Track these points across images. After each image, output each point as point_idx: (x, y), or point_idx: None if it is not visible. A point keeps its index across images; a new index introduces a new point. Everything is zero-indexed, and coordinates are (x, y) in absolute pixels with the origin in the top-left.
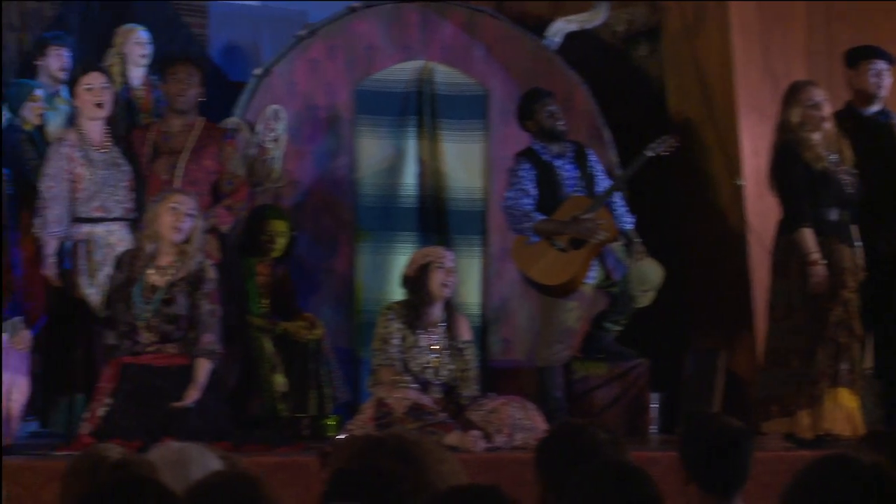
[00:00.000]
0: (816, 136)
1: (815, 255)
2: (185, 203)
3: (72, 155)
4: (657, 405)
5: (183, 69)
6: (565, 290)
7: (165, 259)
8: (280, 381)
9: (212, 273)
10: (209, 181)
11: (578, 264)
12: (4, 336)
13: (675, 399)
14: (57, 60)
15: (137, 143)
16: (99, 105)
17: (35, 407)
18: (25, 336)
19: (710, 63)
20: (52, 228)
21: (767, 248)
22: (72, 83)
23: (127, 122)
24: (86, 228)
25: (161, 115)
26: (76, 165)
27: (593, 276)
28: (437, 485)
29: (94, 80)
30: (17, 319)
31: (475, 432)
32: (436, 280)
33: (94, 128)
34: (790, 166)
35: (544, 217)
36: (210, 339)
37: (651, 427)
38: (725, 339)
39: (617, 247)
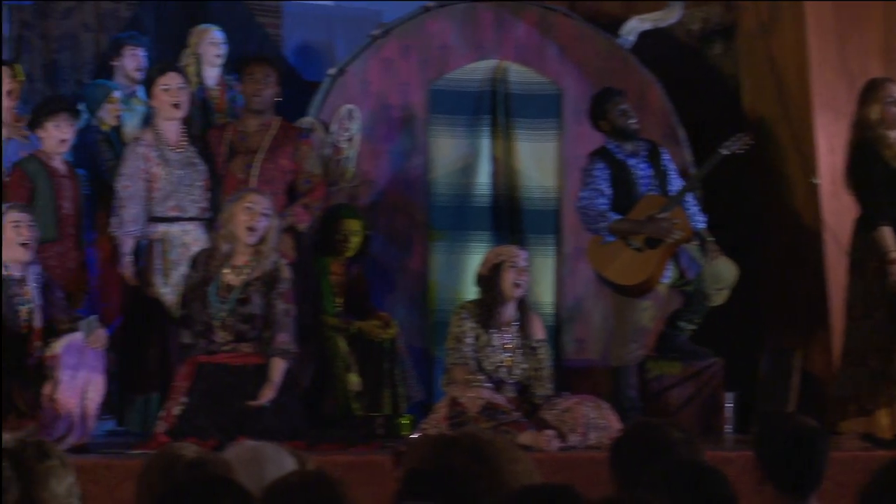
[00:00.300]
0: (894, 134)
1: (894, 254)
2: (260, 203)
3: (148, 154)
4: (732, 404)
5: (259, 69)
6: (641, 289)
7: (241, 258)
8: (354, 380)
9: (286, 273)
10: (285, 180)
11: (654, 264)
12: (80, 335)
13: (750, 398)
14: (132, 60)
15: (214, 143)
16: (176, 105)
17: (111, 405)
18: (101, 335)
19: (785, 61)
20: (128, 228)
21: (843, 246)
22: (149, 83)
23: (202, 122)
24: (161, 228)
25: (235, 115)
26: (152, 165)
27: (668, 275)
28: (511, 484)
29: (171, 80)
30: (92, 318)
31: (549, 431)
32: (508, 279)
33: (171, 128)
34: (868, 164)
35: (619, 217)
36: (285, 338)
37: (726, 426)
38: (801, 338)
39: (691, 246)
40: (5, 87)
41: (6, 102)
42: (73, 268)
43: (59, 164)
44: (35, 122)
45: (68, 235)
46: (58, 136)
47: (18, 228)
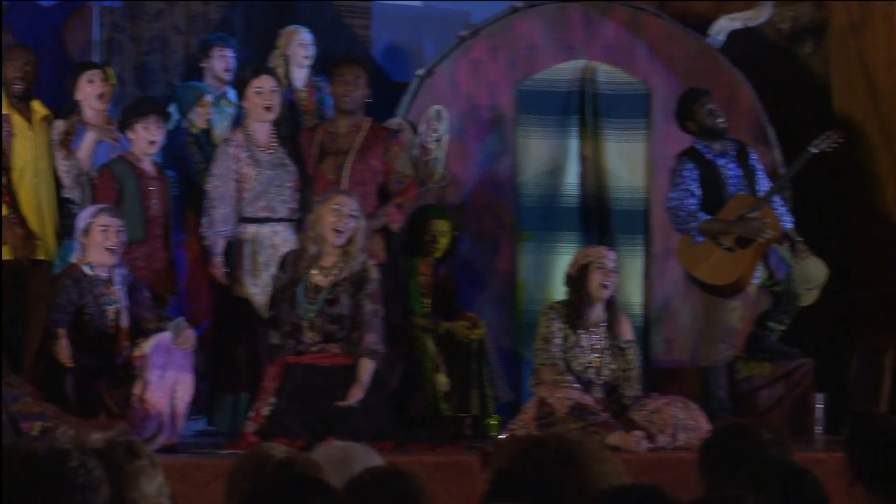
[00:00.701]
0: None
1: None
2: (347, 204)
3: (238, 155)
4: (822, 405)
5: (350, 71)
6: (733, 289)
7: (329, 259)
8: (442, 380)
9: (374, 273)
10: (376, 181)
11: (745, 263)
12: (169, 336)
13: (841, 399)
14: (221, 62)
15: (304, 144)
16: (268, 108)
17: (201, 405)
18: (190, 336)
19: (875, 59)
20: (218, 228)
21: None
22: (241, 85)
23: (290, 123)
24: (251, 229)
25: (323, 116)
26: (243, 165)
27: (757, 275)
28: (599, 485)
29: (264, 83)
30: (181, 320)
31: (638, 432)
32: (595, 280)
33: (262, 129)
34: None
35: (709, 217)
36: (373, 339)
37: (816, 427)
38: (892, 338)
39: (780, 246)
40: (97, 90)
41: (98, 104)
42: (161, 269)
43: (147, 165)
44: (124, 124)
45: (156, 237)
46: (147, 137)
47: (107, 233)
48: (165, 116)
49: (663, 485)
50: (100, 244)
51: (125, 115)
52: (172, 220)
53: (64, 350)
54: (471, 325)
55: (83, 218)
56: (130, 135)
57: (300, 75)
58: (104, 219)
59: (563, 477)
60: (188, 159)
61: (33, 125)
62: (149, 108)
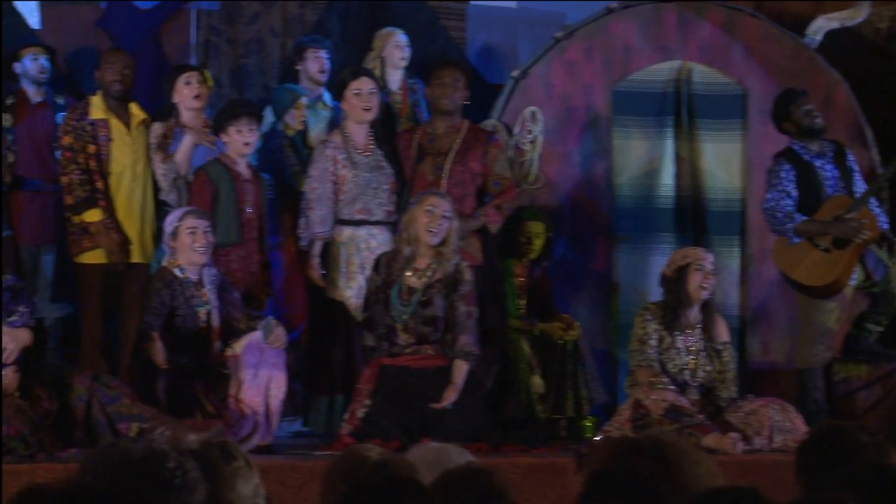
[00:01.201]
0: None
1: None
2: (440, 205)
3: (336, 157)
4: None
5: (448, 73)
6: (830, 290)
7: (423, 261)
8: (537, 382)
9: (468, 275)
10: (475, 183)
11: (843, 265)
12: (260, 335)
13: None
14: (316, 63)
15: (402, 146)
16: (367, 110)
17: (296, 407)
18: (280, 333)
19: None
20: (316, 229)
21: None
22: (340, 87)
23: (384, 125)
24: (347, 231)
25: (417, 119)
26: (340, 167)
27: (854, 276)
28: (694, 487)
29: (363, 84)
30: (270, 318)
31: (734, 434)
32: (694, 282)
33: (359, 131)
34: None
35: (806, 218)
36: (467, 340)
37: None
38: None
39: (877, 247)
40: (194, 92)
41: (195, 105)
42: (256, 271)
43: (242, 168)
44: (218, 127)
45: (251, 239)
46: (240, 139)
47: (194, 235)
48: (258, 118)
49: (759, 487)
50: (188, 246)
51: (218, 117)
52: (268, 222)
53: (158, 352)
54: (566, 326)
55: (170, 222)
56: (224, 137)
57: (395, 77)
58: (191, 221)
59: (658, 479)
60: (284, 162)
61: (131, 129)
62: (240, 110)
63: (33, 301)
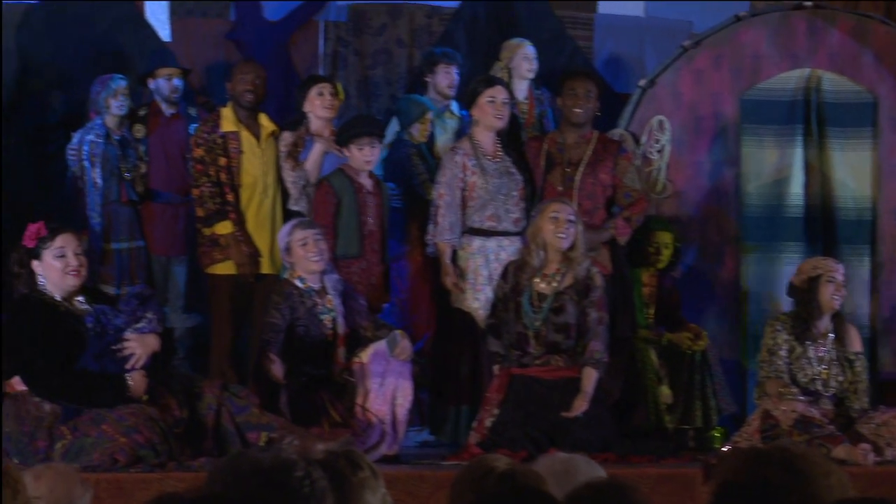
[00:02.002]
0: None
1: None
2: (564, 210)
3: (465, 163)
4: None
5: (581, 85)
6: None
7: (552, 267)
8: (665, 392)
9: (599, 280)
10: (605, 194)
11: None
12: (385, 347)
13: None
14: (445, 78)
15: (531, 154)
16: (499, 118)
17: (423, 417)
18: (406, 346)
19: None
20: (445, 236)
21: None
22: (472, 95)
23: (510, 135)
24: (477, 243)
25: (543, 129)
26: (469, 174)
27: None
28: (824, 498)
29: (498, 93)
30: (396, 332)
31: (865, 445)
32: (825, 293)
33: (488, 138)
34: None
35: None
36: (597, 346)
37: None
38: None
39: None
40: (326, 103)
41: (327, 115)
42: (376, 283)
43: (364, 179)
44: (340, 141)
45: (372, 251)
46: (361, 157)
47: (306, 245)
48: (380, 136)
49: (891, 499)
50: (303, 258)
51: (340, 132)
52: (394, 232)
53: (276, 371)
54: (694, 336)
55: (281, 238)
56: (346, 152)
57: (522, 87)
58: (300, 233)
59: (787, 490)
60: (411, 171)
61: (261, 141)
62: (360, 131)
63: (162, 308)
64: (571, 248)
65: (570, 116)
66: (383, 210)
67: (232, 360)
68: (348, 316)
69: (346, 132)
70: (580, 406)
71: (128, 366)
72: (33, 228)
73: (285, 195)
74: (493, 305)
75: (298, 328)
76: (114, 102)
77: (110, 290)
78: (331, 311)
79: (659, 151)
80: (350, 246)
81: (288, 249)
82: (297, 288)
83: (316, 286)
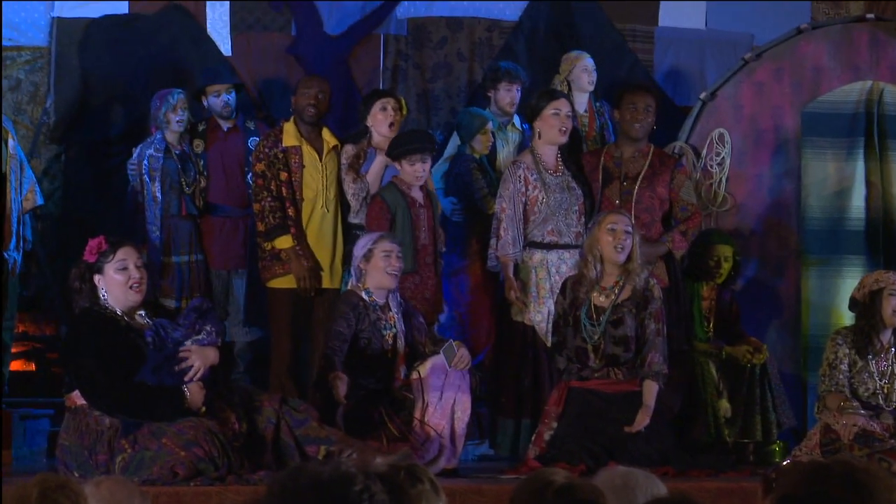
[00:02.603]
0: None
1: None
2: (621, 222)
3: (527, 177)
4: None
5: (641, 99)
6: None
7: (609, 279)
8: (725, 406)
9: (658, 291)
10: (662, 209)
11: None
12: (443, 360)
13: None
14: (507, 95)
15: (589, 168)
16: (563, 131)
17: (482, 430)
18: (464, 356)
19: None
20: (507, 250)
21: None
22: (536, 109)
23: (569, 148)
24: (538, 255)
25: (603, 142)
26: (531, 188)
27: None
28: None
29: (562, 106)
30: (451, 341)
31: None
32: (888, 307)
33: (549, 152)
34: None
35: None
36: (657, 359)
37: None
38: None
39: None
40: (389, 118)
41: (388, 132)
42: (430, 297)
43: (416, 192)
44: (391, 156)
45: (425, 265)
46: (412, 172)
47: (388, 258)
48: (431, 152)
49: None
50: (381, 269)
51: (392, 147)
52: (454, 246)
53: (340, 388)
54: (753, 349)
55: (363, 244)
56: (396, 166)
57: (582, 100)
58: (386, 244)
59: None
60: (472, 185)
61: (323, 156)
62: (413, 147)
63: (221, 322)
64: (629, 259)
65: (629, 131)
66: (435, 222)
67: (291, 374)
68: (408, 333)
69: (397, 147)
70: (642, 420)
71: (186, 377)
72: (94, 243)
73: (345, 210)
74: (555, 323)
75: (361, 340)
76: (173, 117)
77: (171, 303)
78: (393, 327)
79: (719, 164)
80: (405, 261)
81: (367, 257)
82: (363, 299)
83: (381, 301)
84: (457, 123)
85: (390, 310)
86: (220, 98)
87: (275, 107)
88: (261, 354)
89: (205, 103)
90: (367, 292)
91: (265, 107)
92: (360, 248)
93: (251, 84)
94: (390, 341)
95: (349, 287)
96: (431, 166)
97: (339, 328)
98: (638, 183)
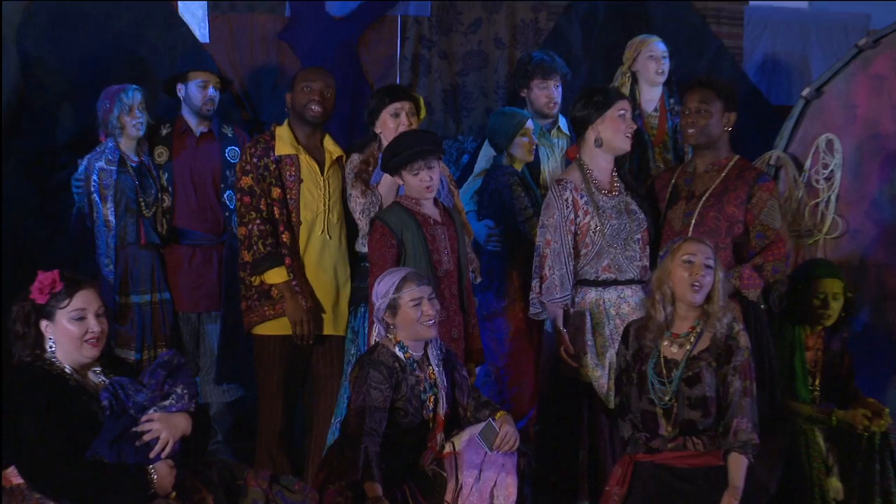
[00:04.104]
0: None
1: None
2: (700, 252)
3: (576, 200)
4: None
5: (692, 97)
6: None
7: (683, 325)
8: (836, 485)
9: (745, 340)
10: (731, 232)
11: None
12: (479, 438)
13: None
14: (542, 94)
15: (659, 187)
16: (628, 136)
17: None
18: (508, 434)
19: None
20: (554, 294)
21: None
22: (596, 109)
23: (634, 157)
24: (592, 295)
25: (678, 149)
26: (581, 214)
27: None
28: None
29: (626, 106)
30: (491, 421)
31: None
32: None
33: (604, 166)
34: None
35: None
36: (745, 425)
37: None
38: None
39: None
40: (403, 125)
41: None
42: (459, 337)
43: (430, 208)
44: (388, 169)
45: (450, 296)
46: (418, 184)
47: (419, 306)
48: (436, 152)
49: None
50: (414, 322)
51: (385, 159)
52: (490, 282)
53: (375, 491)
54: (872, 414)
55: (383, 293)
56: (398, 181)
57: (651, 96)
58: (412, 291)
59: None
60: (512, 204)
61: (325, 168)
62: (410, 154)
63: (195, 383)
64: (708, 300)
65: (686, 138)
66: (459, 243)
67: (283, 445)
68: (449, 392)
69: (392, 156)
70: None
71: (151, 454)
72: (46, 280)
73: (351, 237)
74: (617, 379)
75: (396, 411)
76: (129, 121)
77: (129, 355)
78: (433, 387)
79: (827, 179)
80: None
81: (393, 309)
82: (398, 359)
83: (418, 355)
84: (489, 129)
85: (429, 364)
86: (204, 91)
87: (263, 107)
88: (244, 419)
89: (181, 93)
90: (402, 347)
91: (250, 107)
92: (379, 297)
93: (233, 78)
94: (431, 406)
95: (377, 340)
96: (460, 186)
97: (372, 401)
98: (702, 201)
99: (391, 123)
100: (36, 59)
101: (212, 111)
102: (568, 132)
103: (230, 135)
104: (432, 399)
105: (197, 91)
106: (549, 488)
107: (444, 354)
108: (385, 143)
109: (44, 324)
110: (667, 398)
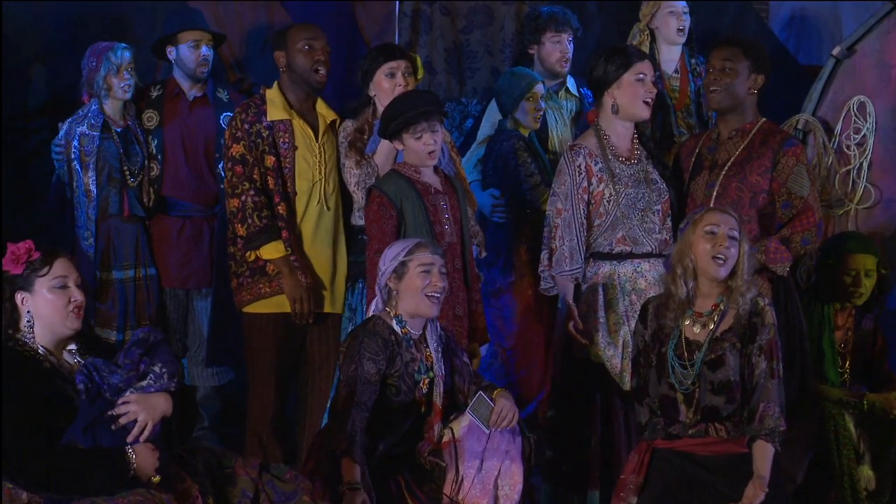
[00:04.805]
0: None
1: None
2: (723, 223)
3: (589, 167)
4: None
5: (717, 56)
6: None
7: (706, 303)
8: (867, 474)
9: (770, 316)
10: (756, 203)
11: None
12: (470, 413)
13: None
14: (556, 49)
15: (684, 156)
16: (649, 102)
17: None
18: (504, 408)
19: None
20: (564, 266)
21: None
22: (615, 70)
23: (657, 122)
24: (606, 268)
25: (701, 113)
26: (595, 182)
27: None
28: None
29: (647, 70)
30: (481, 394)
31: None
32: None
33: (624, 132)
34: None
35: None
36: (771, 410)
37: None
38: None
39: None
40: (398, 86)
41: None
42: (462, 314)
43: (430, 176)
44: (387, 134)
45: (453, 270)
46: (421, 148)
47: (428, 275)
48: (439, 114)
49: None
50: (419, 290)
51: (383, 123)
52: (495, 257)
53: (353, 474)
54: None
55: (394, 255)
56: (398, 145)
57: (670, 56)
58: (426, 255)
59: None
60: (518, 171)
61: (320, 136)
62: (411, 116)
63: (176, 359)
64: (732, 274)
65: (709, 101)
66: (461, 213)
67: (275, 431)
68: (447, 378)
69: (391, 119)
70: (755, 496)
71: (129, 438)
72: (20, 249)
73: (347, 208)
74: (634, 360)
75: (388, 388)
76: (116, 82)
77: (111, 335)
78: (429, 370)
79: (859, 145)
80: None
81: (400, 273)
82: (394, 332)
83: (416, 333)
84: (496, 90)
85: (426, 346)
86: (197, 51)
87: (253, 68)
88: (233, 404)
89: (171, 56)
90: (399, 321)
91: (241, 69)
92: (389, 260)
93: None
94: (425, 389)
95: (376, 312)
96: (463, 154)
97: (363, 373)
98: (724, 170)
99: (386, 84)
100: (6, 14)
101: (206, 73)
102: (577, 93)
103: (225, 100)
104: (426, 382)
105: (189, 52)
106: (559, 477)
107: (444, 342)
108: (380, 106)
109: (20, 296)
110: (688, 382)
